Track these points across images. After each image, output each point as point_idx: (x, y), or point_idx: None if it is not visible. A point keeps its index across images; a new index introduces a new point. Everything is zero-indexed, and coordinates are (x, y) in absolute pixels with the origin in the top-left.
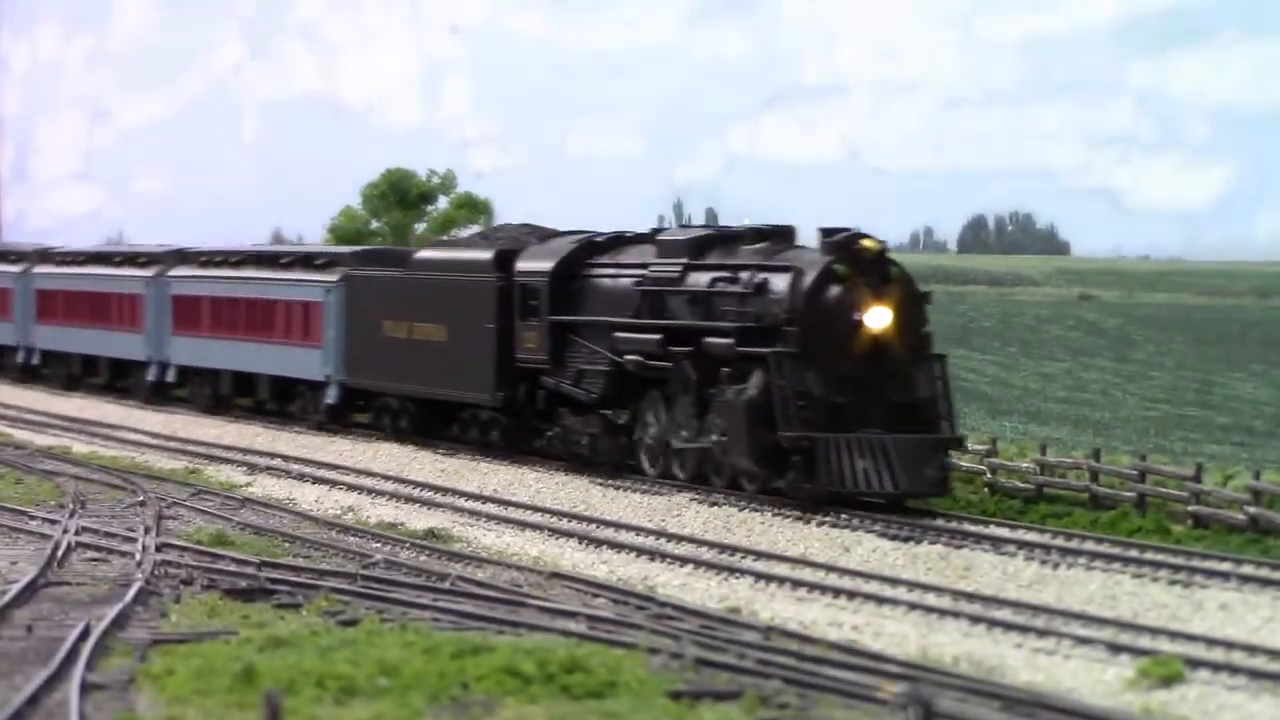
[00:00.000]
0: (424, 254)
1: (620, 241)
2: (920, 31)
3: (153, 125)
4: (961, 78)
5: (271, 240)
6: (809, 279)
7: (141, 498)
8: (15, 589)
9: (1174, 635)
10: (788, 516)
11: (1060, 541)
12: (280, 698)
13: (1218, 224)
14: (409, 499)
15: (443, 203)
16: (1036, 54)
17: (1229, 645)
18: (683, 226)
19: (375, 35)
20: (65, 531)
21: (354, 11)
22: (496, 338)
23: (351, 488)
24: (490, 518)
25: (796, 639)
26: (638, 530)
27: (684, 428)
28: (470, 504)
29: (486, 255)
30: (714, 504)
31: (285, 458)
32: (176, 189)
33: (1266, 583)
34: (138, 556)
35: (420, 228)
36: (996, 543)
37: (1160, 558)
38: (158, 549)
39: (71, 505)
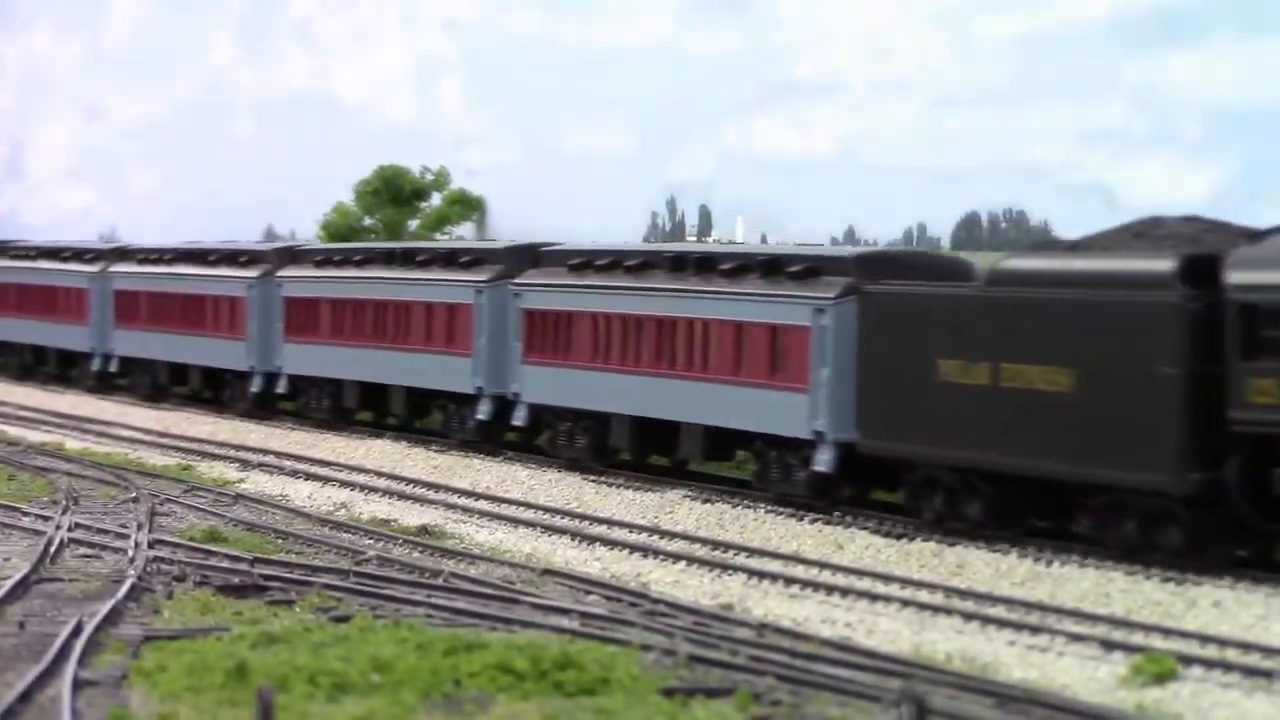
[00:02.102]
0: (1016, 264)
1: None
2: (913, 29)
3: (146, 123)
4: (955, 75)
5: (265, 237)
6: None
7: (134, 494)
8: (8, 585)
9: (1167, 632)
10: (781, 514)
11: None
12: (272, 694)
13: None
14: (402, 496)
15: (436, 199)
16: (1029, 51)
17: (1222, 642)
18: None
19: (369, 33)
20: (58, 528)
21: (347, 9)
22: (1184, 388)
23: (344, 484)
24: (483, 514)
25: (789, 636)
26: (631, 527)
27: None
28: (463, 501)
29: (1163, 265)
30: (707, 501)
31: (278, 454)
32: (170, 186)
33: (1260, 579)
34: (130, 553)
35: (413, 225)
36: (989, 540)
37: (1153, 555)
38: (150, 545)
39: (64, 502)
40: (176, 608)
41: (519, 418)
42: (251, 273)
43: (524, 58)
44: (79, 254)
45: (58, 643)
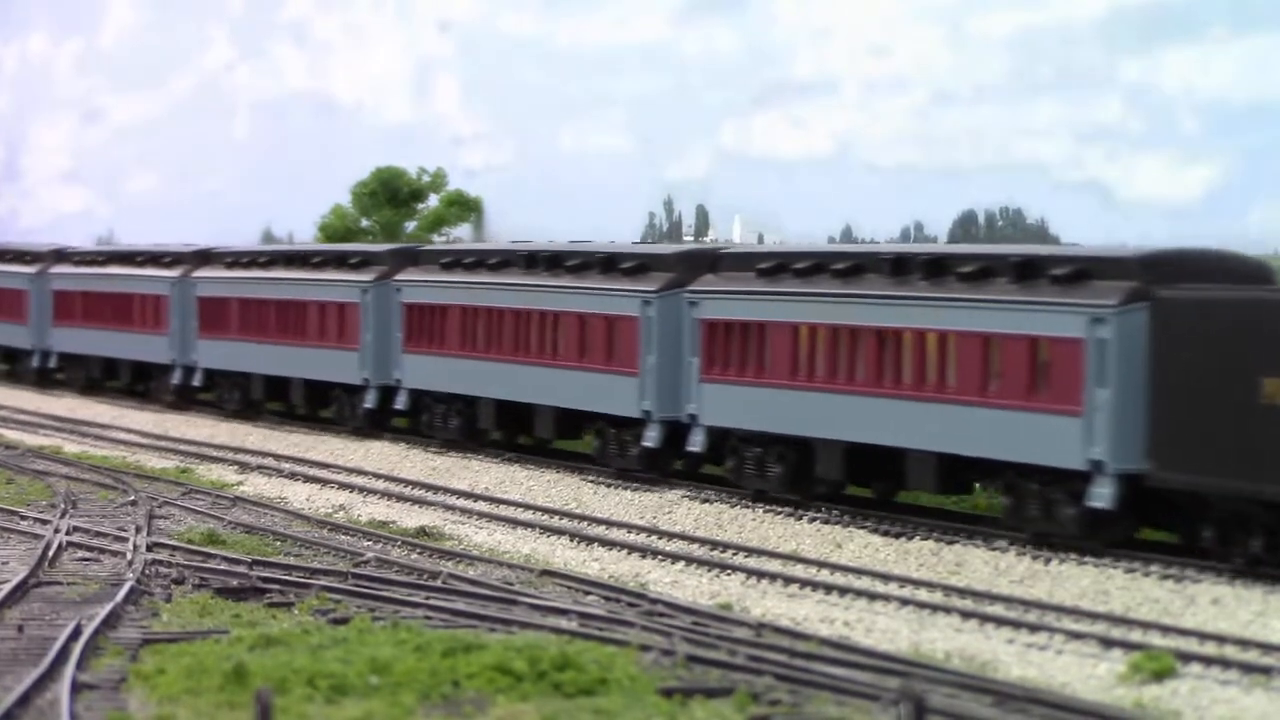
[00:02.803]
0: None
1: None
2: (909, 27)
3: (143, 124)
4: (951, 73)
5: (262, 239)
6: None
7: (133, 497)
8: (6, 589)
9: (1166, 630)
10: (779, 513)
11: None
12: (271, 696)
13: (1208, 218)
14: (400, 497)
15: (433, 201)
16: (1025, 49)
17: (1221, 640)
18: None
19: (365, 33)
20: (56, 531)
21: (343, 10)
22: None
23: (343, 486)
24: (482, 516)
25: (788, 635)
26: (629, 528)
27: None
28: (462, 502)
29: None
30: (706, 501)
31: (277, 456)
32: (167, 188)
33: (1258, 577)
34: (129, 556)
35: (410, 226)
36: (988, 538)
37: (1152, 553)
38: (149, 548)
39: (63, 505)
40: (175, 610)
41: (695, 443)
42: (368, 276)
43: (520, 58)
44: (156, 258)
45: (56, 646)
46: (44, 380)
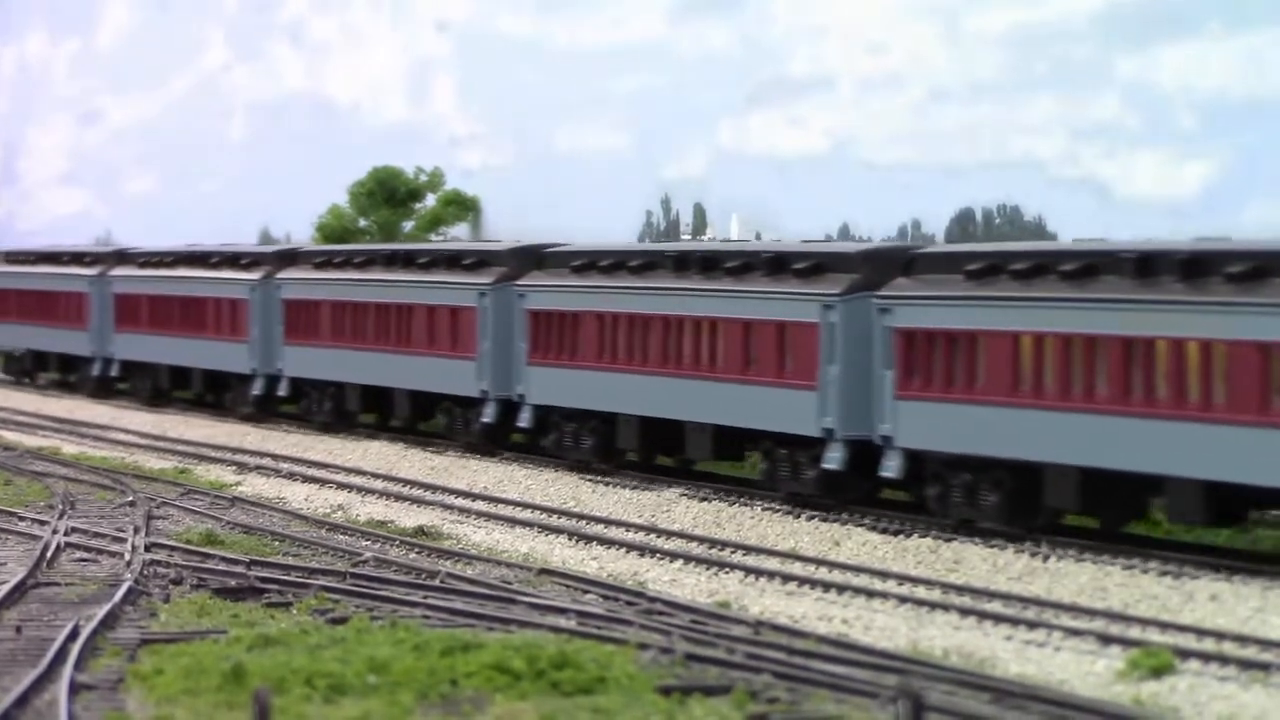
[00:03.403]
0: None
1: None
2: (905, 25)
3: (141, 126)
4: (947, 71)
5: (260, 240)
6: None
7: (131, 498)
8: (4, 590)
9: (1164, 626)
10: (778, 511)
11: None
12: (269, 696)
13: (1205, 215)
14: (399, 497)
15: (430, 200)
16: (1021, 46)
17: (1219, 636)
18: None
19: (361, 34)
20: (54, 532)
21: (340, 10)
22: None
23: (341, 486)
24: (480, 515)
25: (786, 633)
26: (628, 526)
27: None
28: (460, 501)
29: None
30: (704, 499)
31: (275, 456)
32: (165, 189)
33: (1256, 573)
34: (127, 556)
35: (408, 226)
36: (986, 535)
37: (1150, 549)
38: (147, 549)
39: (61, 506)
40: (173, 611)
41: (890, 469)
42: (486, 279)
43: (517, 58)
44: (233, 259)
45: (54, 647)
46: (105, 390)
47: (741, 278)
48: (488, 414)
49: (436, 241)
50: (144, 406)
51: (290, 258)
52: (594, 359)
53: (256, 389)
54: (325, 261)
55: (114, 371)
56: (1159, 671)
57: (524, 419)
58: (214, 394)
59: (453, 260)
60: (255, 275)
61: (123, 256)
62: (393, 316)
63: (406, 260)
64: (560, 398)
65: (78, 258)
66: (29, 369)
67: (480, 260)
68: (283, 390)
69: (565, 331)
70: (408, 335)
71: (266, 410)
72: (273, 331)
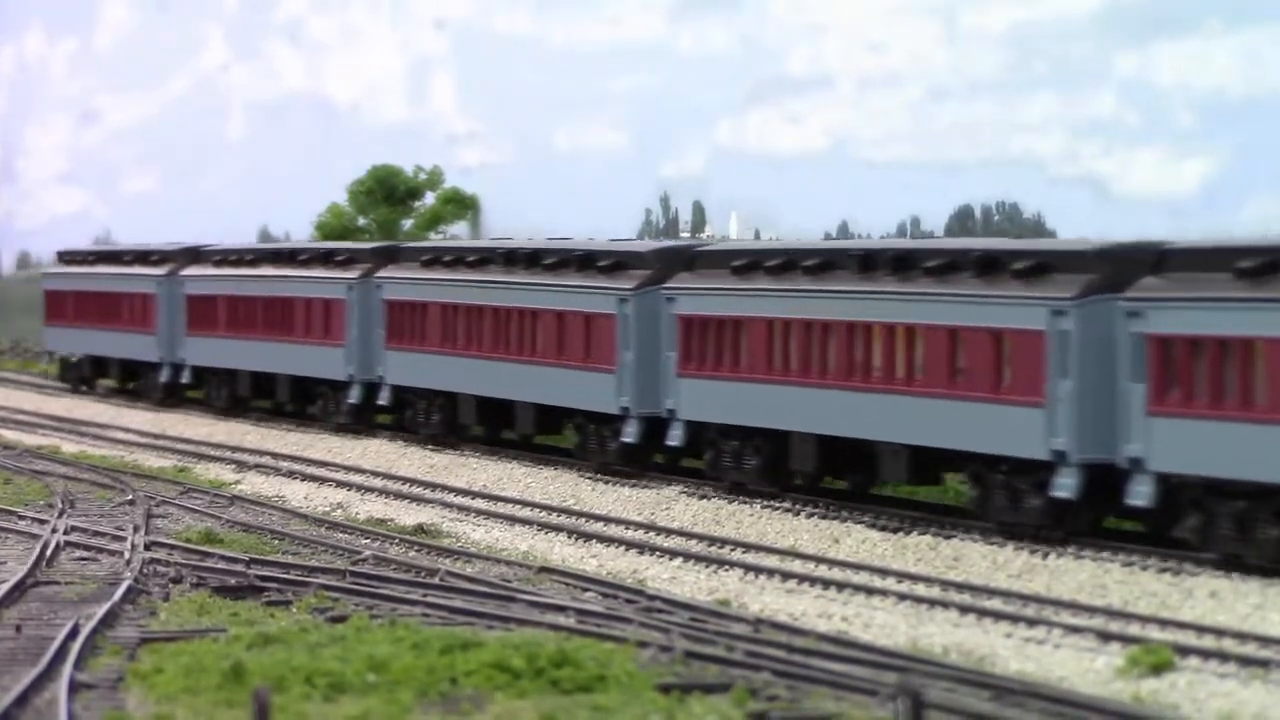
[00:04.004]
0: None
1: None
2: (904, 23)
3: (140, 125)
4: (946, 68)
5: (259, 239)
6: None
7: (130, 496)
8: (4, 589)
9: (1164, 623)
10: (777, 509)
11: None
12: (269, 695)
13: (1203, 212)
14: (398, 495)
15: (429, 199)
16: (1020, 44)
17: (1219, 632)
18: None
19: (360, 32)
20: (54, 531)
21: (339, 9)
22: None
23: (340, 484)
24: (479, 513)
25: (786, 631)
26: (627, 524)
27: None
28: (459, 499)
29: None
30: (703, 497)
31: (274, 455)
32: (164, 188)
33: (1255, 570)
34: (126, 555)
35: (407, 224)
36: (985, 532)
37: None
38: (146, 547)
39: (60, 504)
40: (173, 609)
41: (674, 438)
42: (627, 283)
43: (516, 56)
44: (325, 257)
45: (54, 645)
46: (173, 398)
47: (945, 279)
48: (629, 433)
49: (563, 240)
50: (218, 417)
51: (390, 254)
52: (762, 370)
53: (353, 397)
54: (433, 260)
55: (185, 378)
56: (1159, 668)
57: (674, 436)
58: (298, 403)
59: (585, 261)
60: (353, 274)
61: (196, 254)
62: (515, 321)
63: (529, 260)
64: (720, 413)
65: (143, 257)
66: (86, 376)
67: (618, 262)
68: (383, 399)
69: (725, 339)
70: (533, 343)
71: (363, 421)
72: (372, 335)
